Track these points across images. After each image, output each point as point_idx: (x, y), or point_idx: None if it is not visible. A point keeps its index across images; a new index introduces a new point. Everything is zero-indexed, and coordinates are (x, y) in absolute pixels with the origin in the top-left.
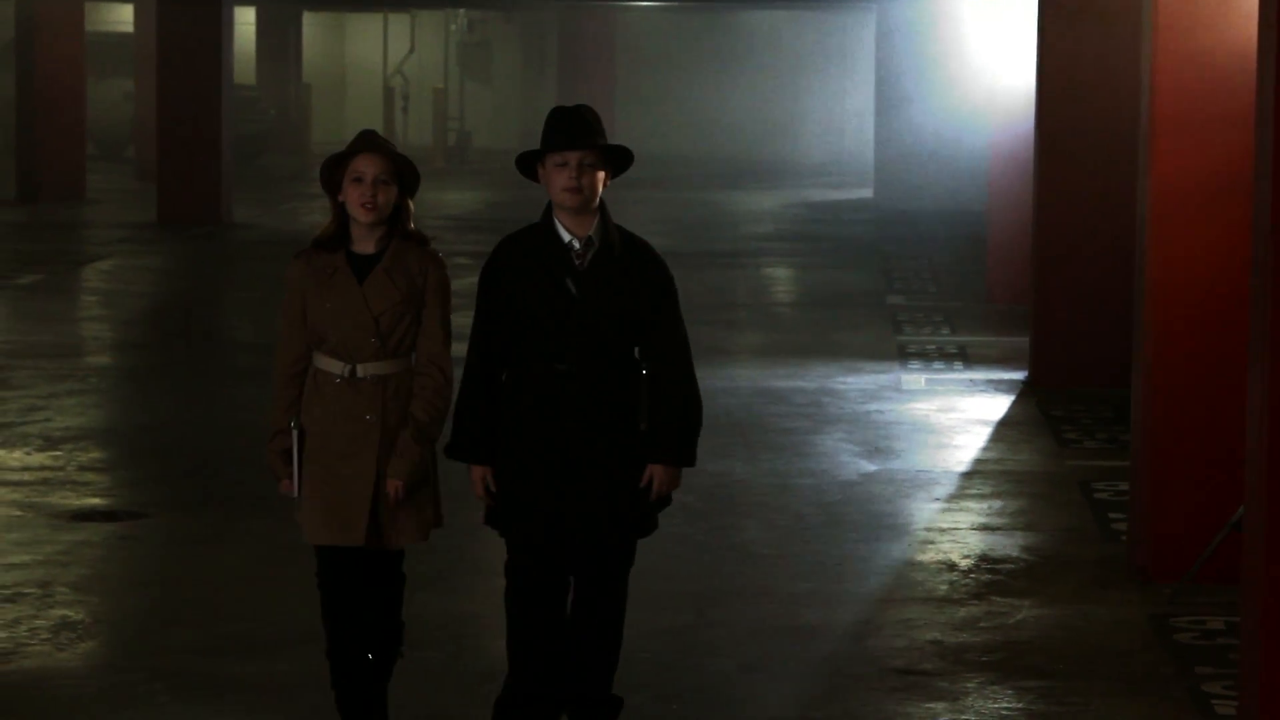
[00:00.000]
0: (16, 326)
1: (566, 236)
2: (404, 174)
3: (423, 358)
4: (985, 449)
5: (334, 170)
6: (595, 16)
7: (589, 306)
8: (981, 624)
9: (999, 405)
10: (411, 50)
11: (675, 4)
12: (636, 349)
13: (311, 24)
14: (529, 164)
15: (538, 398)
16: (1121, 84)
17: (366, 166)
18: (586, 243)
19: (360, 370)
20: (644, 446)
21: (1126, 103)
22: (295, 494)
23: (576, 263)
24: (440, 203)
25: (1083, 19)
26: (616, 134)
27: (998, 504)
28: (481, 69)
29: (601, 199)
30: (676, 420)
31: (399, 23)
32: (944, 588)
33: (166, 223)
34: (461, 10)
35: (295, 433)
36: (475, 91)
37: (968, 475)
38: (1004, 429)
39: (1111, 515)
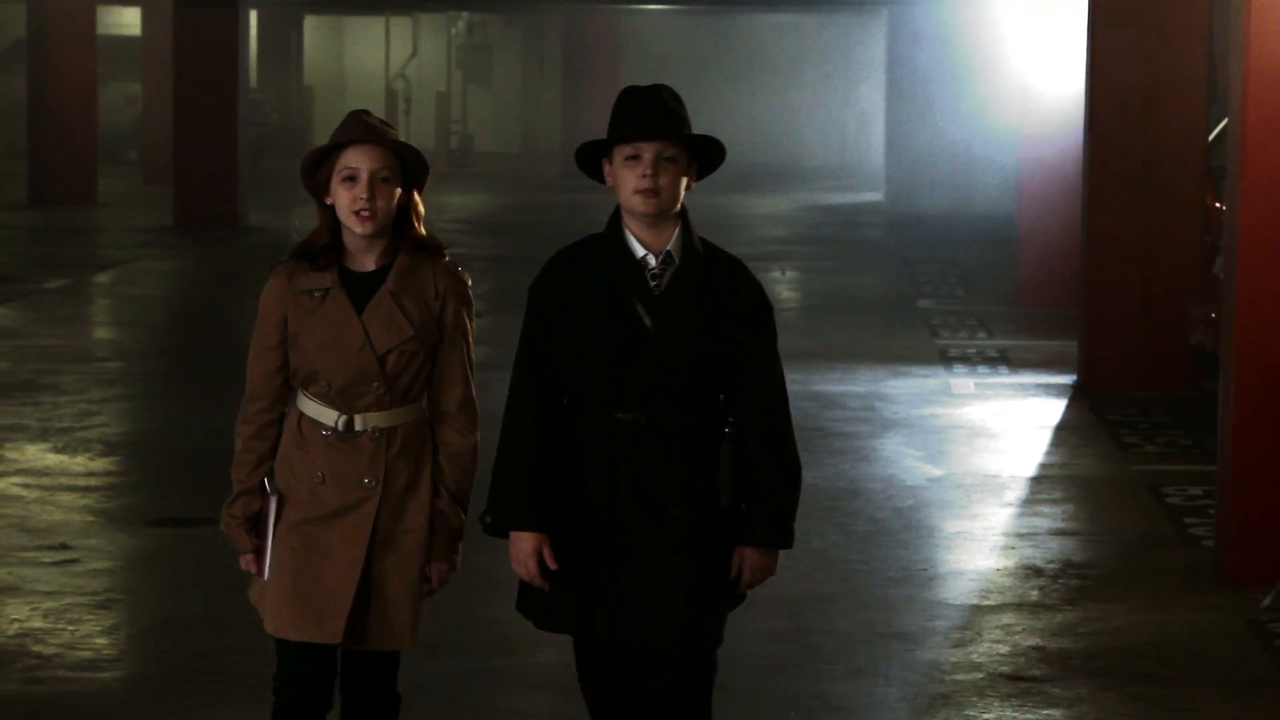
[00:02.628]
0: (55, 331)
1: (640, 251)
2: (409, 166)
3: (449, 405)
4: (1048, 453)
5: (318, 168)
6: (600, 20)
7: (667, 340)
8: (1080, 630)
9: (1052, 409)
10: (414, 53)
11: (679, 8)
12: (721, 398)
13: (312, 27)
14: (593, 158)
15: (598, 455)
16: (1173, 89)
17: (361, 161)
18: (665, 259)
19: (359, 421)
20: (733, 524)
21: (1179, 107)
22: (265, 574)
23: (652, 284)
24: (447, 205)
25: (1134, 24)
26: None
27: (1070, 509)
28: (481, 72)
29: (684, 205)
30: (772, 491)
31: (401, 26)
32: (1035, 593)
33: (183, 226)
34: (464, 13)
35: (274, 499)
36: (476, 95)
37: (1036, 480)
38: (1062, 433)
39: (1187, 520)
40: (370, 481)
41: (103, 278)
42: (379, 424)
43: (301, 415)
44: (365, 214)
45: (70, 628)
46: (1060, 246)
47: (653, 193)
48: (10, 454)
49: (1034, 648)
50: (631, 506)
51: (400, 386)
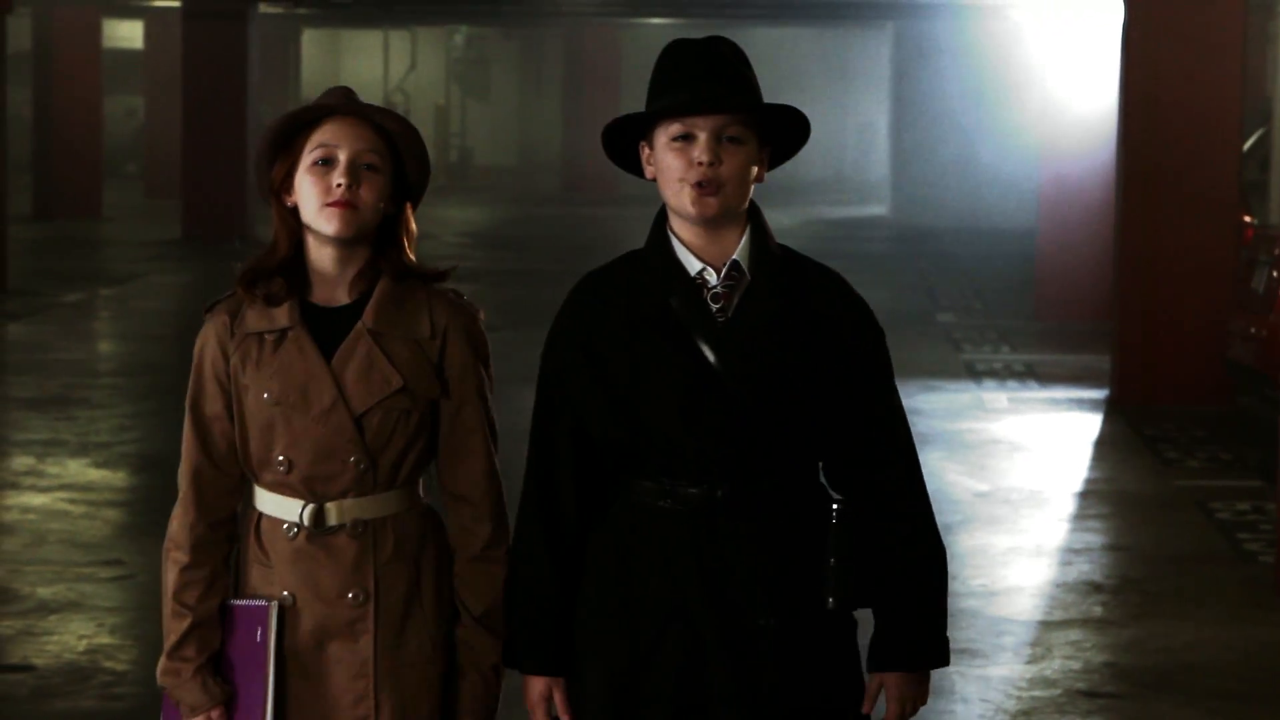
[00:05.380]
0: (79, 345)
1: (695, 265)
2: (403, 159)
3: (465, 488)
4: (1090, 469)
5: (281, 150)
6: (601, 33)
7: (740, 382)
8: (1148, 646)
9: (1088, 424)
10: (412, 67)
11: (679, 21)
12: (821, 462)
13: (311, 41)
14: (626, 141)
15: (656, 545)
16: (1208, 102)
17: (340, 138)
18: (731, 273)
19: (334, 513)
20: (843, 634)
21: (1214, 121)
22: None
23: (715, 310)
24: (449, 219)
25: (1170, 37)
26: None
27: (1121, 524)
28: (479, 86)
29: (753, 202)
30: (917, 591)
31: (399, 39)
32: (1099, 609)
33: (191, 239)
34: (463, 27)
35: (274, 607)
36: (474, 109)
37: (1082, 495)
38: (1102, 448)
39: (1239, 535)
40: (357, 596)
41: (118, 291)
42: (360, 515)
43: (260, 516)
44: (342, 203)
45: (139, 643)
46: (1080, 260)
47: (711, 187)
48: (52, 469)
49: (1106, 664)
50: (703, 615)
51: (388, 462)
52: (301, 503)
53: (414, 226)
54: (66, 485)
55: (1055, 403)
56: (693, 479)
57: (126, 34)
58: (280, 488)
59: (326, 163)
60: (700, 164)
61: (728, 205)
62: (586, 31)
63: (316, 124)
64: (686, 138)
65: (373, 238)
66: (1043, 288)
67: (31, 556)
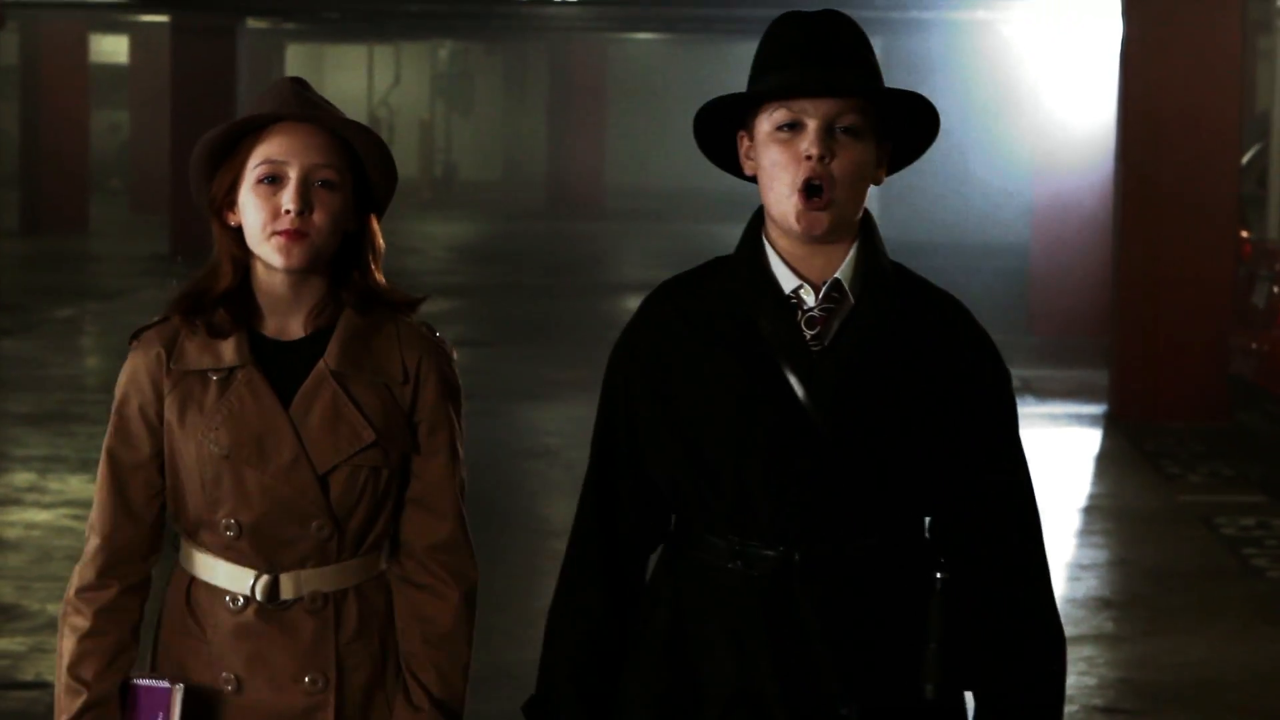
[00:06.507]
0: (74, 360)
1: (791, 281)
2: (365, 168)
3: (424, 551)
4: (1093, 484)
5: (222, 159)
6: (586, 49)
7: (834, 427)
8: (1164, 662)
9: (1088, 439)
10: (396, 82)
11: (666, 36)
12: (929, 521)
13: (295, 56)
14: (721, 128)
15: (721, 614)
16: (1207, 116)
17: (290, 152)
18: (831, 293)
19: (289, 585)
20: None
21: (1212, 136)
22: None
23: (809, 336)
24: (434, 234)
25: (1169, 52)
26: (608, 167)
27: (1126, 539)
28: (463, 101)
29: (867, 210)
30: (1033, 681)
31: (383, 54)
32: (1110, 625)
33: (181, 254)
34: (447, 42)
35: (179, 691)
36: (459, 123)
37: (1086, 510)
38: (1103, 464)
39: (1245, 551)
40: (315, 681)
41: (109, 307)
42: (320, 587)
43: (192, 581)
44: (292, 234)
45: (149, 661)
46: (1074, 275)
47: (822, 195)
48: (54, 485)
49: (1121, 680)
50: (774, 703)
51: (355, 527)
52: (252, 572)
53: (380, 242)
54: (69, 501)
55: (1053, 418)
56: (767, 538)
57: (110, 49)
58: (224, 552)
59: (273, 180)
60: (809, 158)
61: (841, 215)
62: (572, 46)
63: (262, 131)
64: (793, 126)
65: (332, 259)
66: (1037, 302)
67: (39, 573)
